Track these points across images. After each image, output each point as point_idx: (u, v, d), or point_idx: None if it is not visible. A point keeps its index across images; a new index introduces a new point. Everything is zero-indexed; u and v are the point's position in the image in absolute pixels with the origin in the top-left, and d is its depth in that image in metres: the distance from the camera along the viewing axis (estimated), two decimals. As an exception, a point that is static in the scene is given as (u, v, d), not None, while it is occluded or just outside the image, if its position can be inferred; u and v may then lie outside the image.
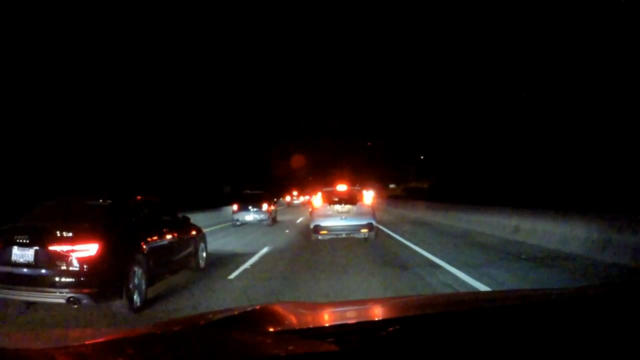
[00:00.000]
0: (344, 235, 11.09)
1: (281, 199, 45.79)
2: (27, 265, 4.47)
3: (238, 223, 17.19)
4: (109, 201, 5.59)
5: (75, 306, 4.53)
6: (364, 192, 12.15)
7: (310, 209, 12.40)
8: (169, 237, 6.16)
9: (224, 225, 17.64)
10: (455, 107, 31.52)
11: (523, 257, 8.23)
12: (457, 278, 6.43)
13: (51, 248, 4.47)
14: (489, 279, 6.28)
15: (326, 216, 10.98)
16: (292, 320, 1.45)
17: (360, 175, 49.05)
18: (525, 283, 6.10)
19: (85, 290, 4.43)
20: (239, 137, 40.92)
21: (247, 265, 7.99)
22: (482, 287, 5.76)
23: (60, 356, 1.03)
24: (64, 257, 4.45)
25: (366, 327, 1.29)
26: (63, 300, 4.44)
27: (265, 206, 17.53)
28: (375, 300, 2.79)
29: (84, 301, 4.45)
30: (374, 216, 11.17)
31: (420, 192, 43.11)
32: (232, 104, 38.56)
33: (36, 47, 18.11)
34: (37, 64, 18.24)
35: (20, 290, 4.51)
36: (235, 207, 17.58)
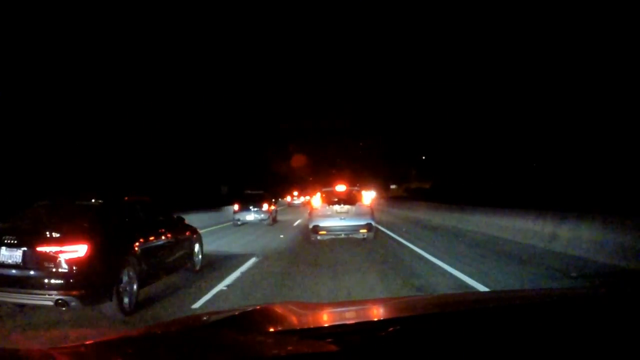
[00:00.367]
0: (343, 236, 11.29)
1: (281, 199, 46.98)
2: (15, 266, 4.49)
3: (239, 223, 17.80)
4: (99, 201, 5.62)
5: (64, 308, 4.56)
6: (363, 192, 12.33)
7: (309, 209, 12.55)
8: (162, 238, 6.18)
9: (224, 225, 18.22)
10: (457, 105, 31.61)
11: (574, 274, 6.68)
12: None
13: (39, 249, 4.49)
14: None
15: (325, 216, 11.22)
16: (292, 320, 1.49)
17: (361, 176, 49.26)
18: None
19: (74, 293, 4.45)
20: (238, 137, 41.03)
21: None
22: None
23: (60, 356, 1.06)
24: (52, 259, 4.47)
25: (366, 327, 1.32)
26: (51, 303, 4.47)
27: (265, 206, 18.26)
28: (375, 301, 2.84)
29: (72, 303, 4.47)
30: (372, 216, 11.42)
31: (423, 193, 43.17)
32: (232, 104, 38.65)
33: (31, 47, 18.18)
34: (32, 63, 18.30)
35: (8, 292, 4.53)
36: (236, 207, 18.20)
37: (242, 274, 7.39)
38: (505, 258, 8.56)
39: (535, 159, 24.64)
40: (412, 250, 9.97)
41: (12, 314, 4.92)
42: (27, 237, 4.61)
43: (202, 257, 7.82)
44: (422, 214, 21.07)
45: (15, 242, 4.55)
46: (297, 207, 40.94)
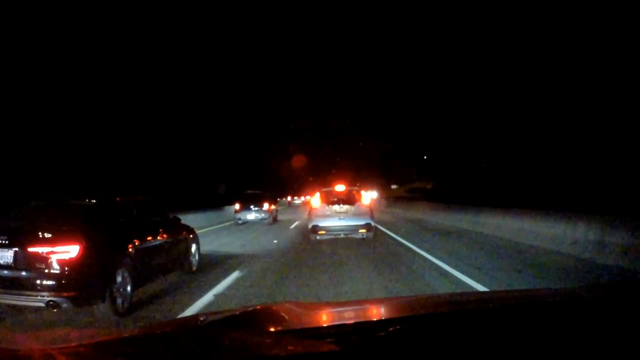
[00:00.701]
0: (342, 236, 11.45)
1: (282, 198, 49.08)
2: (5, 267, 4.51)
3: (240, 222, 18.58)
4: (93, 201, 5.65)
5: (55, 310, 4.59)
6: (363, 192, 12.46)
7: (308, 209, 12.66)
8: (157, 238, 6.22)
9: (225, 224, 18.91)
10: (459, 103, 31.66)
11: None
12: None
13: (30, 249, 4.51)
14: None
15: (324, 216, 11.40)
16: (292, 320, 1.52)
17: (362, 176, 49.45)
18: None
19: (65, 294, 4.48)
20: (237, 136, 41.21)
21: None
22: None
23: (60, 356, 1.08)
24: (43, 259, 4.49)
25: (366, 327, 1.35)
26: (42, 304, 4.50)
27: (266, 205, 19.01)
28: (375, 300, 2.88)
29: (64, 305, 4.50)
30: (372, 216, 11.59)
31: (425, 193, 43.20)
32: (231, 104, 38.79)
33: (31, 47, 18.25)
34: (31, 63, 18.38)
35: None
36: (237, 206, 18.94)
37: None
38: (542, 272, 7.21)
39: (539, 156, 24.66)
40: (428, 260, 8.45)
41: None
42: (19, 237, 4.63)
43: (198, 257, 7.85)
44: (430, 215, 20.23)
45: (7, 242, 4.57)
46: (297, 206, 42.93)
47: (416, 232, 14.36)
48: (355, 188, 13.15)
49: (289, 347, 1.12)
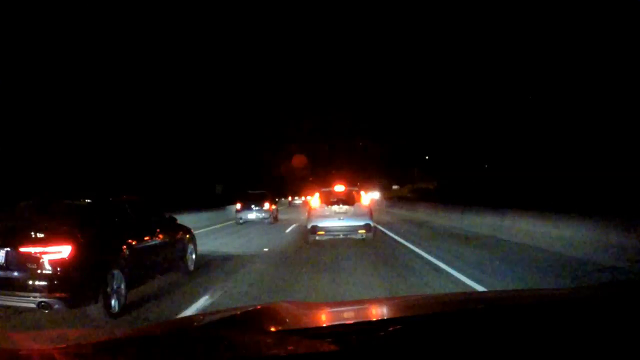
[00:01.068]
0: (341, 236, 11.51)
1: (283, 198, 50.68)
2: None
3: (241, 221, 19.22)
4: (87, 201, 5.67)
5: (47, 311, 4.61)
6: (363, 193, 12.52)
7: (308, 209, 12.73)
8: (152, 238, 6.26)
9: (226, 223, 19.55)
10: (461, 103, 31.78)
11: None
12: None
13: (22, 249, 4.53)
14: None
15: (324, 217, 11.48)
16: (292, 320, 1.56)
17: (362, 176, 49.54)
18: None
19: (57, 295, 4.50)
20: (236, 136, 41.43)
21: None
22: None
23: (60, 356, 1.11)
24: (35, 259, 4.51)
25: (366, 327, 1.38)
26: (34, 305, 4.51)
27: (267, 205, 19.63)
28: (375, 300, 2.91)
29: (56, 306, 4.52)
30: (371, 217, 11.70)
31: (428, 193, 43.22)
32: (231, 104, 38.99)
33: (31, 46, 18.32)
34: (30, 62, 18.46)
35: None
36: (238, 206, 19.66)
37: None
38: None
39: (541, 158, 24.73)
40: (455, 279, 7.03)
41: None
42: (10, 237, 4.66)
43: (195, 258, 7.89)
44: (441, 218, 18.70)
45: None
46: (297, 206, 44.23)
47: (431, 238, 12.87)
48: (355, 188, 13.26)
49: (289, 347, 1.15)
